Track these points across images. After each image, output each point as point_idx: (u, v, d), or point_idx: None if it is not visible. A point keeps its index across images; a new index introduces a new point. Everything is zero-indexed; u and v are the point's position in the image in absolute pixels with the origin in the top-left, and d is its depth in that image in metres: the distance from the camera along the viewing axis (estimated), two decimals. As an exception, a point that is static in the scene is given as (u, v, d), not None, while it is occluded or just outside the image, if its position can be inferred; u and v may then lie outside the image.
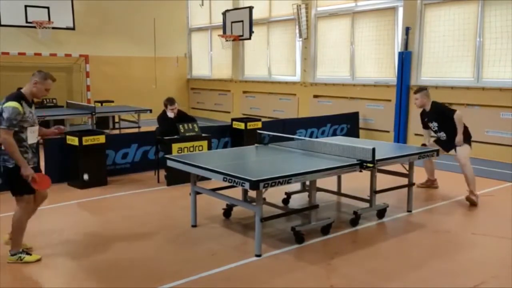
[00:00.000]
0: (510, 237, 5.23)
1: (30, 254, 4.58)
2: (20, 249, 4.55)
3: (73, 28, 13.26)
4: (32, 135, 4.50)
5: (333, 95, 12.51)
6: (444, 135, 6.73)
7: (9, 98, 4.34)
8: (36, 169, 4.65)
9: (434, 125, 6.77)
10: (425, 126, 6.96)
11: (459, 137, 6.50)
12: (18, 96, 4.37)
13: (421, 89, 6.81)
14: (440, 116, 6.67)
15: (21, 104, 4.32)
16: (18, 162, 4.32)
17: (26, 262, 4.50)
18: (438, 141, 6.90)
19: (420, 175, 6.99)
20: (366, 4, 11.82)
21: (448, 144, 6.74)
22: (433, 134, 6.97)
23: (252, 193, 4.93)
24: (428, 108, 6.75)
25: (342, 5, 12.33)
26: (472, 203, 6.37)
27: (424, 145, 6.90)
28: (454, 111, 6.61)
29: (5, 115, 4.23)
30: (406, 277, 4.30)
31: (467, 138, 6.64)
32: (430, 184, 7.29)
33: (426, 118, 6.87)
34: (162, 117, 7.87)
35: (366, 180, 5.79)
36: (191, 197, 5.50)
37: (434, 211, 6.26)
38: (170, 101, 7.80)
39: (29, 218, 4.64)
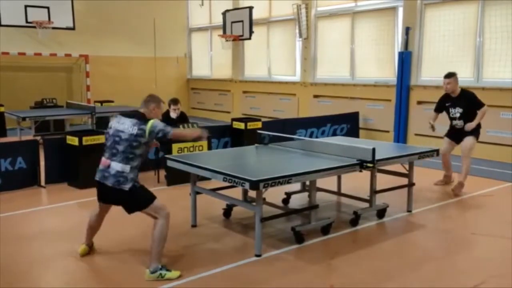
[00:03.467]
0: (510, 237, 5.23)
1: (170, 271, 4.18)
2: (160, 264, 4.19)
3: (73, 28, 13.22)
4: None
5: (333, 95, 12.50)
6: (462, 123, 6.87)
7: (145, 120, 4.26)
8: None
9: (457, 110, 6.87)
10: (438, 110, 7.14)
11: (472, 124, 6.70)
12: (146, 118, 4.31)
13: (452, 73, 6.90)
14: (468, 104, 6.80)
15: None
16: (191, 136, 4.73)
17: (168, 279, 4.11)
18: (451, 130, 7.08)
19: (419, 175, 6.98)
20: (366, 4, 11.82)
21: (460, 135, 6.92)
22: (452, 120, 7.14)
23: (252, 193, 4.93)
24: (456, 93, 6.87)
25: (342, 5, 12.33)
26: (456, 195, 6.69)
27: (433, 126, 7.07)
28: (483, 104, 6.78)
29: (159, 128, 4.22)
30: (406, 277, 4.30)
31: (477, 131, 6.85)
32: (448, 180, 7.39)
33: (449, 103, 6.95)
34: (165, 117, 7.88)
35: (366, 180, 5.79)
36: (191, 197, 5.50)
37: (434, 211, 6.26)
38: (173, 101, 7.90)
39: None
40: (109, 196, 4.34)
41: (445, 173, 7.40)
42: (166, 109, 7.92)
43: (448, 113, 7.00)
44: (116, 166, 4.19)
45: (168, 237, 5.17)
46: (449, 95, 6.93)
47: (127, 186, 4.18)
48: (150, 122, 4.23)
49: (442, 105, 7.06)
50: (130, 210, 4.33)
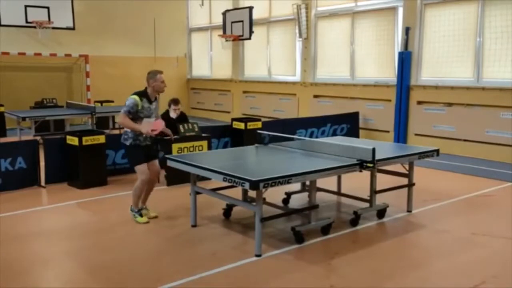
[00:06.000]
0: (510, 237, 5.23)
1: (141, 216, 5.61)
2: (136, 209, 5.65)
3: (73, 28, 13.25)
4: (146, 124, 5.44)
5: (333, 95, 12.50)
6: None
7: (134, 93, 5.53)
8: (149, 147, 5.71)
9: None
10: None
11: None
12: (140, 93, 5.57)
13: None
14: None
15: (141, 99, 5.48)
16: (135, 130, 5.39)
17: (137, 221, 5.59)
18: None
19: (419, 175, 6.98)
20: (366, 4, 11.82)
21: None
22: None
23: (252, 193, 4.93)
24: None
25: (342, 5, 12.33)
26: None
27: None
28: None
29: (126, 103, 5.42)
30: (406, 277, 4.30)
31: None
32: None
33: None
34: (164, 117, 7.87)
35: (366, 180, 5.79)
36: (191, 197, 5.50)
37: (434, 211, 6.26)
38: (174, 101, 7.89)
39: (144, 188, 5.60)
40: None
41: None
42: (166, 109, 7.91)
43: None
44: None
45: (168, 237, 5.20)
46: None
47: (127, 142, 5.52)
48: (131, 96, 5.48)
49: None
50: (129, 165, 5.83)
